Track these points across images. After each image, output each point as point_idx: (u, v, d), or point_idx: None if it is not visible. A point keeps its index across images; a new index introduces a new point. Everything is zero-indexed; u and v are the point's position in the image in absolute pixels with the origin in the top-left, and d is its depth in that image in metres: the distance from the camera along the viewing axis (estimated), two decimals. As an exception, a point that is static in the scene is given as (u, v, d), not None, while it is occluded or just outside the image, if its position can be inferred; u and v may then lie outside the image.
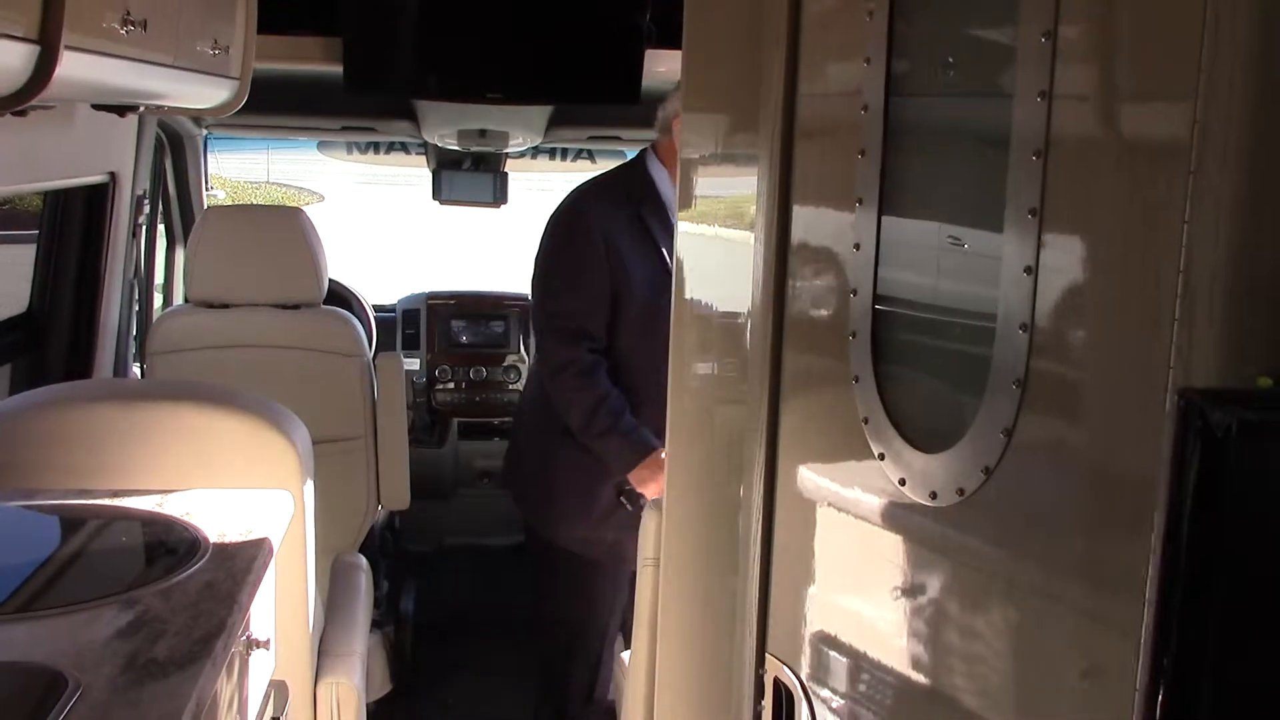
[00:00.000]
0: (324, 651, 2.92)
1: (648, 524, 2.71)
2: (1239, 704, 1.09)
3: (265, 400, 2.74)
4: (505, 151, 5.16)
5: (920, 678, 1.45)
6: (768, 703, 1.79)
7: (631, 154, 5.64)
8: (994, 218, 1.30)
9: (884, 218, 1.48)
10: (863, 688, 1.56)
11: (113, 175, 3.74)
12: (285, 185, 28.23)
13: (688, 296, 2.26)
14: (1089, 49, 1.24)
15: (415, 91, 4.06)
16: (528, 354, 5.57)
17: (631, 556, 2.87)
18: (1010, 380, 1.27)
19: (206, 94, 3.05)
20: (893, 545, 1.47)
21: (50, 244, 3.77)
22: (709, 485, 2.20)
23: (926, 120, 1.50)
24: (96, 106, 2.81)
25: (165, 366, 4.04)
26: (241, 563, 2.05)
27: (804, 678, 1.66)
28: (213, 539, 2.15)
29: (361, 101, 4.64)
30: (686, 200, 2.31)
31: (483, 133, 4.75)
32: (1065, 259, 1.24)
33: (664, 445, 2.51)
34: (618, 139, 5.17)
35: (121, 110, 2.87)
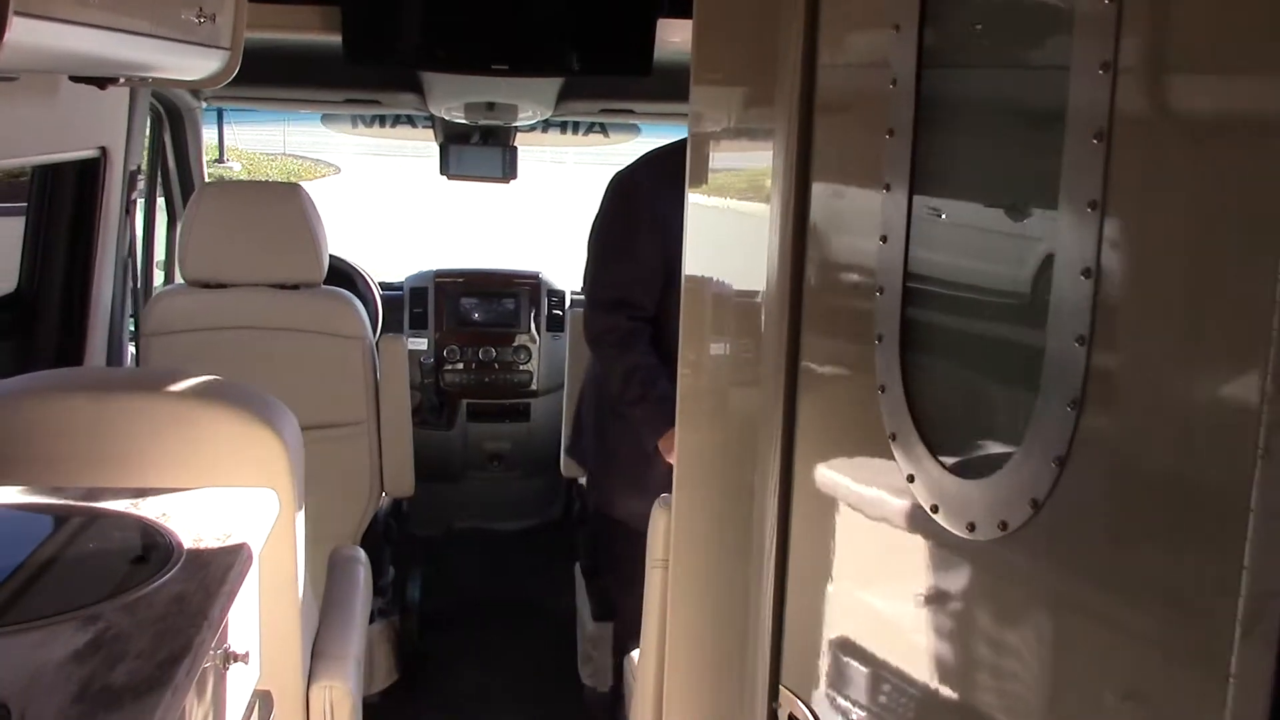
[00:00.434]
0: (318, 653, 2.78)
1: (656, 522, 2.57)
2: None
3: (251, 390, 2.59)
4: (514, 125, 4.99)
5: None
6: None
7: (646, 128, 5.48)
8: (1045, 211, 1.12)
9: (915, 207, 1.31)
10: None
11: (103, 150, 3.59)
12: (301, 157, 28.15)
13: (699, 274, 2.11)
14: (1162, 10, 1.06)
15: (417, 62, 3.89)
16: (539, 334, 5.42)
17: None
18: (1064, 400, 1.09)
19: (193, 65, 2.88)
20: (923, 578, 1.30)
21: (40, 221, 3.63)
22: (721, 482, 2.04)
23: (965, 96, 1.31)
24: (74, 79, 2.66)
25: (160, 349, 3.90)
26: (216, 571, 1.90)
27: (819, 715, 1.51)
28: (188, 544, 2.00)
29: (365, 73, 4.48)
30: (698, 175, 2.15)
31: (491, 106, 4.58)
32: (1132, 260, 1.05)
33: None
34: (630, 112, 4.99)
35: (101, 83, 2.72)
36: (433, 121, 5.19)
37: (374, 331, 5.07)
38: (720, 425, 2.03)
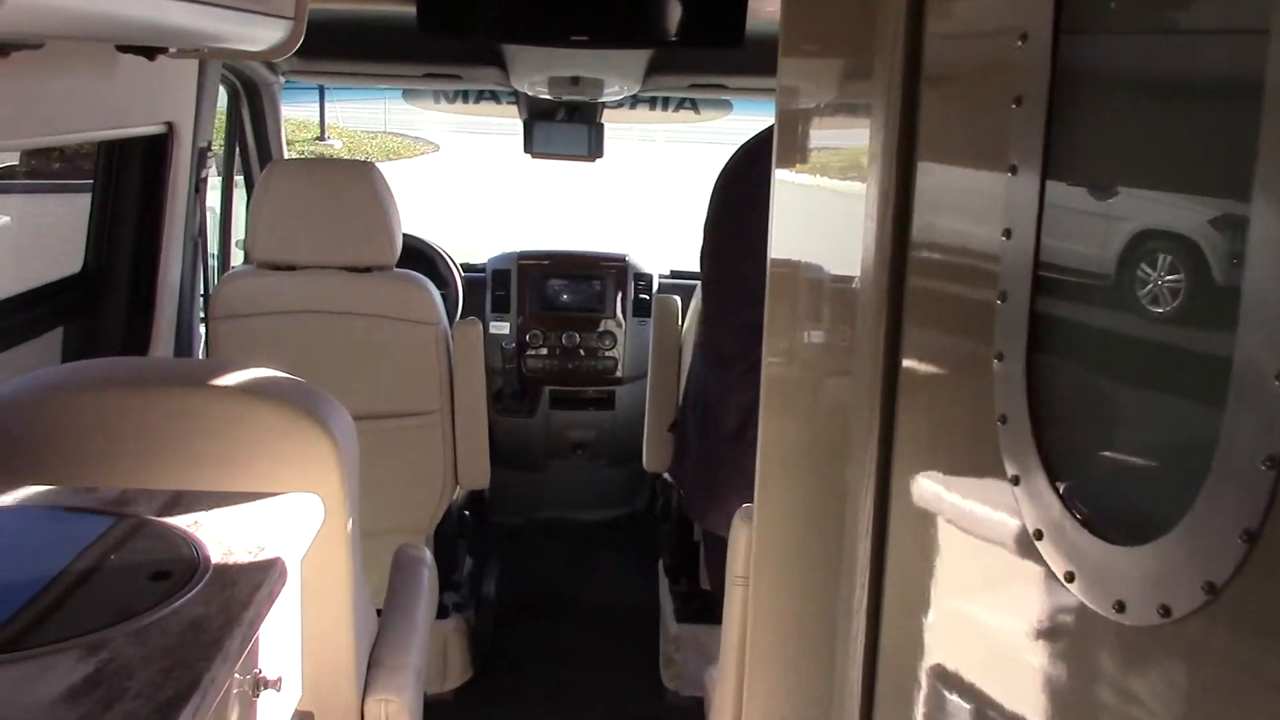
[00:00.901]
0: (375, 663, 2.60)
1: (737, 536, 2.35)
2: None
3: (301, 384, 2.41)
4: (601, 101, 4.77)
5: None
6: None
7: (738, 104, 5.22)
8: (1230, 207, 0.86)
9: (1049, 194, 1.05)
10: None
11: (170, 125, 3.45)
12: (401, 135, 28.29)
13: (787, 257, 1.88)
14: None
15: (493, 34, 3.69)
16: (624, 319, 5.21)
17: None
18: (1258, 455, 0.82)
19: (253, 35, 2.71)
20: (1056, 655, 1.04)
21: (105, 199, 3.51)
22: (807, 490, 1.80)
23: (1117, 61, 1.05)
24: (121, 49, 2.50)
25: (228, 333, 3.78)
26: (241, 592, 1.72)
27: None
28: (216, 558, 1.82)
29: (445, 47, 4.31)
30: (787, 153, 1.91)
31: (575, 80, 4.36)
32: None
33: None
34: (722, 87, 4.73)
35: (150, 53, 2.56)
36: (516, 97, 5.00)
37: (455, 315, 4.92)
38: (808, 426, 1.79)
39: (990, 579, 1.10)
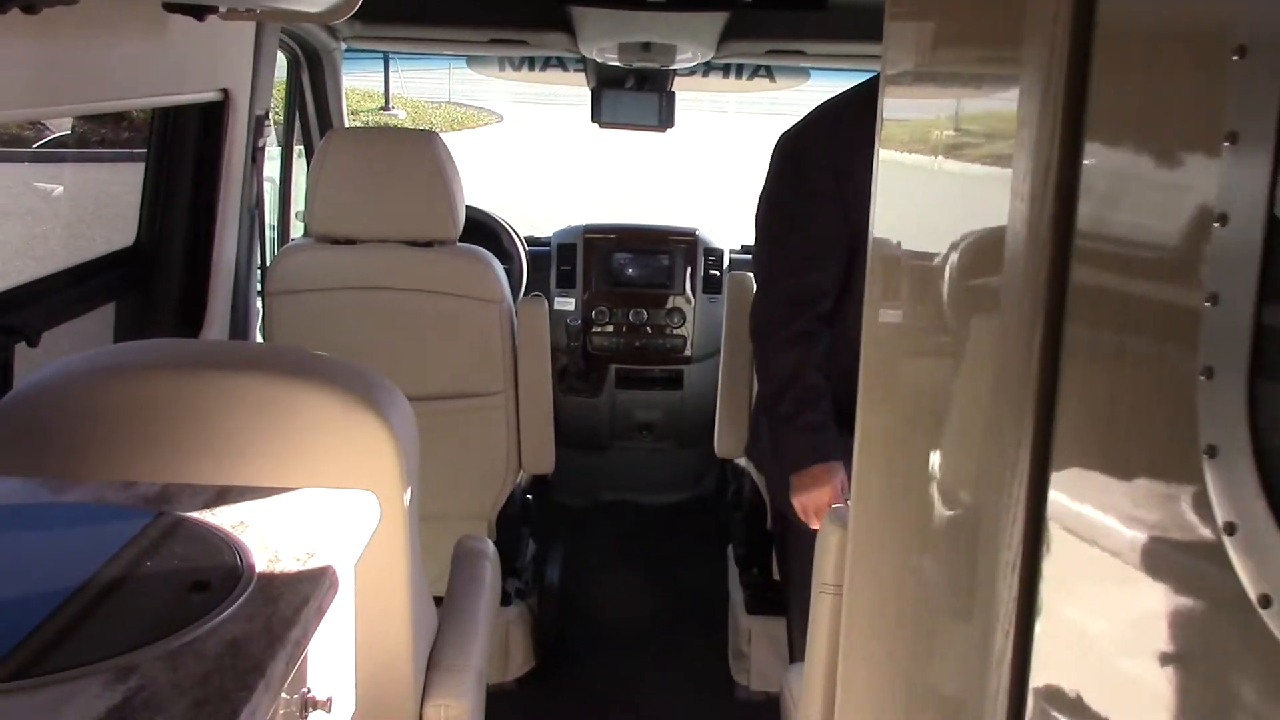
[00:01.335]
0: (434, 664, 2.44)
1: (828, 540, 2.14)
2: None
3: (357, 367, 2.25)
4: (672, 68, 4.54)
5: None
6: None
7: (816, 73, 4.97)
8: None
9: None
10: None
11: (225, 92, 3.29)
12: (465, 105, 28.19)
13: (890, 238, 1.67)
14: None
15: None
16: (694, 295, 5.00)
17: None
18: None
19: None
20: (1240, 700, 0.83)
21: (159, 170, 3.37)
22: (922, 504, 1.60)
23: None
24: (168, 7, 2.34)
25: (284, 309, 3.63)
26: (287, 607, 1.55)
27: None
28: (261, 566, 1.66)
29: (511, 11, 4.11)
30: (894, 128, 1.70)
31: (646, 46, 4.14)
32: None
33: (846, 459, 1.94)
34: (801, 54, 4.48)
35: (199, 13, 2.40)
36: (584, 64, 4.79)
37: (519, 290, 4.75)
38: (925, 429, 1.57)
39: (1194, 649, 0.89)
